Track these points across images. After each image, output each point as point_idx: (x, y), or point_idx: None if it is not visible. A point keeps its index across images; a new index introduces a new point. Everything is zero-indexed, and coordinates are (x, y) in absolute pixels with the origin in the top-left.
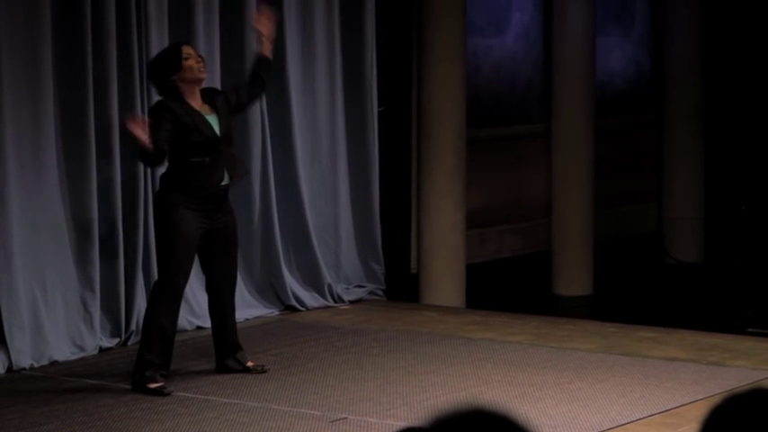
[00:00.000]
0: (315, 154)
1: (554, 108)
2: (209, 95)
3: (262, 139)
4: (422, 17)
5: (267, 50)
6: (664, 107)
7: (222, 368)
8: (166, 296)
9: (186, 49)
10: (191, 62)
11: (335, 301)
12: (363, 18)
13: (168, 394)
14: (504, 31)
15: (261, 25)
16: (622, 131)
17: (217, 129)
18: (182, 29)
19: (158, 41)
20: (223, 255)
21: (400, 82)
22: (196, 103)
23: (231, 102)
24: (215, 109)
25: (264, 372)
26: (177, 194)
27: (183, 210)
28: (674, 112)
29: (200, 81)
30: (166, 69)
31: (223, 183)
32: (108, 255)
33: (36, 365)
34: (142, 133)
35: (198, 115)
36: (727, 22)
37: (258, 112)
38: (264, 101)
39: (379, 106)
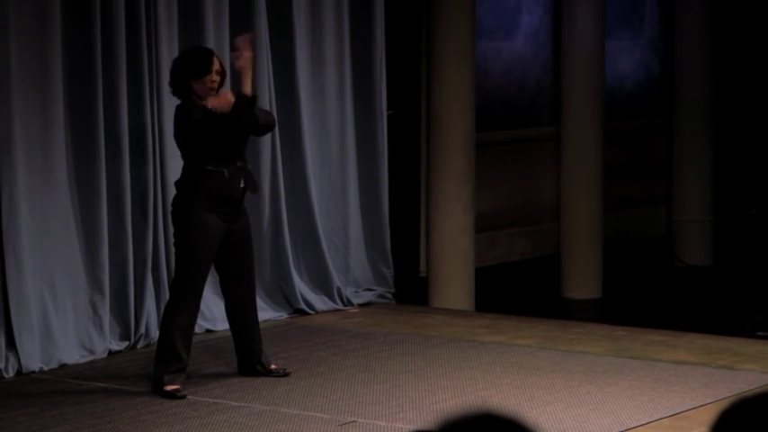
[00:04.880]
0: (324, 157)
1: (563, 111)
2: None
3: (271, 142)
4: (431, 20)
5: (247, 87)
6: (673, 110)
7: (245, 371)
8: (185, 296)
9: (215, 63)
10: (211, 77)
11: (344, 305)
12: (372, 21)
13: (182, 398)
14: (514, 34)
15: (238, 60)
16: (631, 134)
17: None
18: (191, 32)
19: (168, 45)
20: (238, 254)
21: (409, 85)
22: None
23: None
24: None
25: (287, 375)
26: (196, 200)
27: (203, 213)
28: (683, 116)
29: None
30: (187, 72)
31: (241, 185)
32: (118, 258)
33: (45, 369)
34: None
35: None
36: (736, 25)
37: None
38: (274, 104)
39: (389, 110)
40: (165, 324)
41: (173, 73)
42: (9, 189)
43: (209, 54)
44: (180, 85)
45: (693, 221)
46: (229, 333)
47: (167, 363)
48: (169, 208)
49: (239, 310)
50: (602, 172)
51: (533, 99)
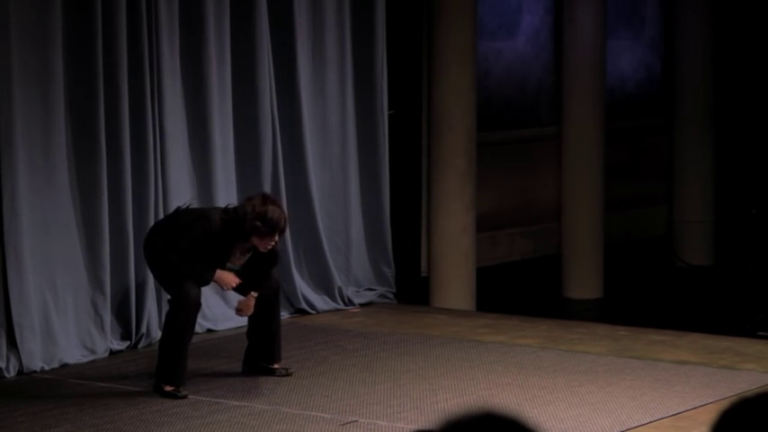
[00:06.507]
0: (325, 157)
1: (564, 111)
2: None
3: (272, 142)
4: (432, 20)
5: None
6: (674, 110)
7: (250, 371)
8: (186, 296)
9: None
10: (267, 242)
11: (346, 305)
12: (374, 21)
13: (183, 398)
14: (515, 34)
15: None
16: (633, 135)
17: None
18: (192, 32)
19: (169, 44)
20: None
21: (410, 85)
22: (238, 252)
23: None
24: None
25: (289, 374)
26: None
27: None
28: (684, 116)
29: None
30: (254, 218)
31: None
32: (119, 257)
33: (47, 368)
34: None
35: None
36: (737, 25)
37: (269, 116)
38: (275, 104)
39: (390, 109)
40: (166, 324)
41: (249, 212)
42: (10, 189)
43: (281, 232)
44: (241, 222)
45: (694, 221)
46: (230, 333)
47: (168, 363)
48: (170, 207)
49: (269, 317)
50: (603, 172)
51: (534, 99)
